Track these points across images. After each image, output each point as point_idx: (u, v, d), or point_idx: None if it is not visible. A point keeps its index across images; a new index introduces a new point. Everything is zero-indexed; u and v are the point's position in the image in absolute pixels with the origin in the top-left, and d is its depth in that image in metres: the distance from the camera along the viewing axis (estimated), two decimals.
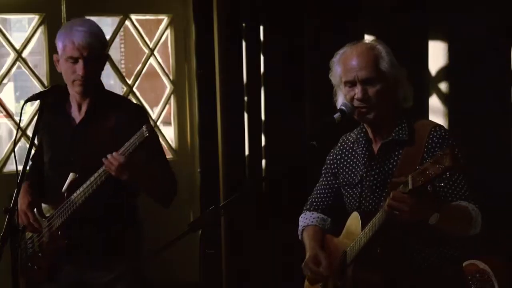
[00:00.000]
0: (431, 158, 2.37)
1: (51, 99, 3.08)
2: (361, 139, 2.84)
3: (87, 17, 4.69)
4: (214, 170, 5.12)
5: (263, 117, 4.76)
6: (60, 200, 3.17)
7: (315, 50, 4.37)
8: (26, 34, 4.73)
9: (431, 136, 2.65)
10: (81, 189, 3.07)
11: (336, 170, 2.95)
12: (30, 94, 3.11)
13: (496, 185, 3.50)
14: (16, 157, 3.03)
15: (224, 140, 5.08)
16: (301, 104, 4.51)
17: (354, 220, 2.80)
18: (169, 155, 5.21)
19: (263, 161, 4.77)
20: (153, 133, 2.98)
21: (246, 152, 4.92)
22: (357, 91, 2.69)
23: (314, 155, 3.82)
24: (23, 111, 3.08)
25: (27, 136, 4.69)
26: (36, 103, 3.38)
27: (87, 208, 3.09)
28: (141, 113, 3.30)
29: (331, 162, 2.98)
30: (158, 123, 5.16)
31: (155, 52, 5.10)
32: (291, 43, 4.55)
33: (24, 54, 4.70)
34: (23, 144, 4.98)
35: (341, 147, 2.95)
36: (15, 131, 4.37)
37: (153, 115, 5.16)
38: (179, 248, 3.31)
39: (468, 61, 3.52)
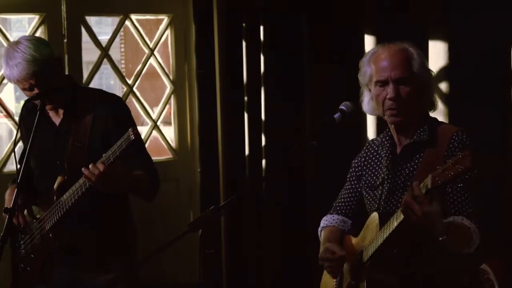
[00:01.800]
0: (451, 159, 2.36)
1: (32, 104, 3.08)
2: (386, 142, 2.84)
3: (87, 17, 4.74)
4: (214, 170, 5.12)
5: (263, 117, 4.76)
6: (50, 202, 3.16)
7: (315, 50, 4.38)
8: (26, 34, 4.72)
9: (452, 141, 2.65)
10: (70, 191, 3.06)
11: (360, 173, 2.95)
12: None
13: (496, 184, 3.50)
14: (16, 157, 3.03)
15: (224, 140, 5.08)
16: (301, 104, 4.51)
17: (372, 220, 2.79)
18: (169, 155, 5.22)
19: (263, 161, 4.77)
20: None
21: (246, 152, 4.92)
22: (390, 90, 2.68)
23: (314, 155, 3.83)
24: (19, 115, 3.09)
25: None
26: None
27: (78, 209, 3.08)
28: (118, 103, 3.27)
29: (356, 165, 2.99)
30: (158, 123, 5.16)
31: (155, 52, 5.10)
32: (291, 43, 4.55)
33: None
34: (23, 144, 4.98)
35: (367, 151, 2.95)
36: (15, 131, 4.36)
37: (153, 115, 5.16)
38: (179, 248, 3.31)
39: (468, 61, 3.52)
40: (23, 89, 3.09)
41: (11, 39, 4.65)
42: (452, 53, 3.54)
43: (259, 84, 4.76)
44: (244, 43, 4.87)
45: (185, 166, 5.21)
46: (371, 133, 3.97)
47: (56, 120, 3.23)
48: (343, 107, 2.74)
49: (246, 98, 4.90)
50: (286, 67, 4.61)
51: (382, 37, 3.88)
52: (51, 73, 3.10)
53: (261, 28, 4.69)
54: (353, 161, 3.02)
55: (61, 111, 3.21)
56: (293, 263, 4.61)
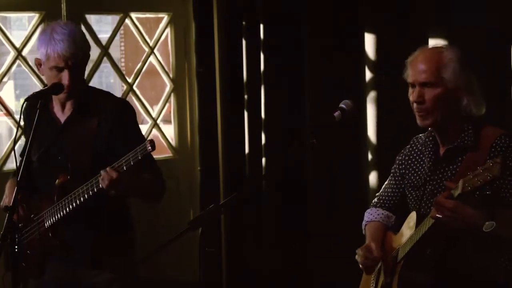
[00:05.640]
0: (482, 166, 2.40)
1: (35, 100, 3.06)
2: (429, 142, 2.86)
3: (87, 15, 4.75)
4: (214, 169, 5.12)
5: (263, 116, 4.76)
6: (49, 199, 3.15)
7: (315, 49, 4.37)
8: (26, 32, 4.73)
9: (494, 145, 2.65)
10: (74, 193, 3.04)
11: (403, 171, 2.97)
12: (30, 93, 3.11)
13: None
14: (16, 156, 3.03)
15: (224, 139, 5.08)
16: (301, 103, 4.51)
17: (410, 219, 2.82)
18: (169, 154, 5.22)
19: (263, 160, 4.77)
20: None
21: (246, 151, 4.92)
22: (414, 93, 2.72)
23: (314, 153, 3.82)
24: (23, 110, 3.08)
25: None
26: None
27: (78, 208, 3.07)
28: (126, 108, 3.25)
29: (400, 162, 3.00)
30: (158, 121, 5.16)
31: (155, 51, 5.10)
32: (291, 41, 4.56)
33: (24, 52, 4.69)
34: (23, 142, 4.97)
35: (411, 149, 2.97)
36: (15, 130, 4.36)
37: (153, 114, 5.16)
38: (179, 247, 3.32)
39: (468, 60, 3.52)
40: (53, 67, 3.07)
41: (11, 38, 4.66)
42: None
43: (259, 83, 4.76)
44: (244, 42, 4.87)
45: (185, 165, 5.22)
46: (371, 131, 3.97)
47: (62, 117, 3.21)
48: (343, 106, 2.74)
49: (246, 97, 4.90)
50: (286, 65, 4.61)
51: (382, 36, 3.88)
52: (84, 65, 3.15)
53: (261, 26, 4.69)
54: (397, 157, 3.03)
55: (68, 109, 3.20)
56: (293, 263, 4.61)
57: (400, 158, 3.01)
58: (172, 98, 5.19)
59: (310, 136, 2.68)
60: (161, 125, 5.19)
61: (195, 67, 5.12)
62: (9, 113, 4.78)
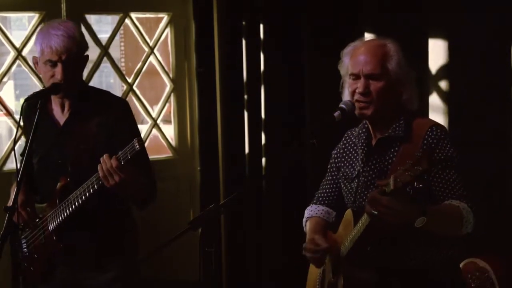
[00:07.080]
0: (410, 160, 2.38)
1: (35, 101, 3.05)
2: (362, 134, 2.86)
3: (87, 15, 4.76)
4: (214, 168, 5.12)
5: (263, 116, 4.76)
6: (51, 202, 3.15)
7: (315, 49, 4.38)
8: (26, 33, 4.73)
9: (426, 137, 2.66)
10: (74, 194, 3.04)
11: (339, 164, 2.97)
12: (30, 93, 3.11)
13: (496, 183, 3.50)
14: (16, 156, 3.03)
15: (224, 138, 5.08)
16: (301, 103, 4.52)
17: (347, 217, 2.82)
18: (169, 154, 5.22)
19: (263, 160, 4.78)
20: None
21: (246, 151, 4.92)
22: (360, 84, 2.70)
23: (314, 154, 3.83)
24: (22, 110, 3.08)
25: None
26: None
27: (80, 210, 3.07)
28: (125, 109, 3.25)
29: (336, 156, 3.00)
30: (158, 121, 5.16)
31: (155, 50, 5.10)
32: (291, 41, 4.56)
33: (24, 52, 4.69)
34: (23, 142, 4.98)
35: (345, 142, 2.97)
36: (15, 130, 4.36)
37: (153, 114, 5.16)
38: (179, 247, 3.32)
39: (468, 60, 3.52)
40: (47, 61, 3.07)
41: (11, 38, 4.66)
42: (452, 52, 3.54)
43: (259, 83, 4.76)
44: (244, 41, 4.87)
45: (185, 165, 5.21)
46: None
47: (61, 119, 3.20)
48: (343, 106, 2.74)
49: (246, 97, 4.91)
50: (286, 65, 4.61)
51: (382, 36, 3.88)
52: (79, 62, 3.14)
53: (261, 26, 4.69)
54: (333, 152, 3.03)
55: (67, 110, 3.19)
56: (293, 263, 4.61)
57: (336, 152, 3.01)
58: (172, 98, 5.19)
59: (310, 136, 2.68)
60: (161, 125, 5.19)
61: (195, 67, 5.12)
62: (9, 113, 4.78)
